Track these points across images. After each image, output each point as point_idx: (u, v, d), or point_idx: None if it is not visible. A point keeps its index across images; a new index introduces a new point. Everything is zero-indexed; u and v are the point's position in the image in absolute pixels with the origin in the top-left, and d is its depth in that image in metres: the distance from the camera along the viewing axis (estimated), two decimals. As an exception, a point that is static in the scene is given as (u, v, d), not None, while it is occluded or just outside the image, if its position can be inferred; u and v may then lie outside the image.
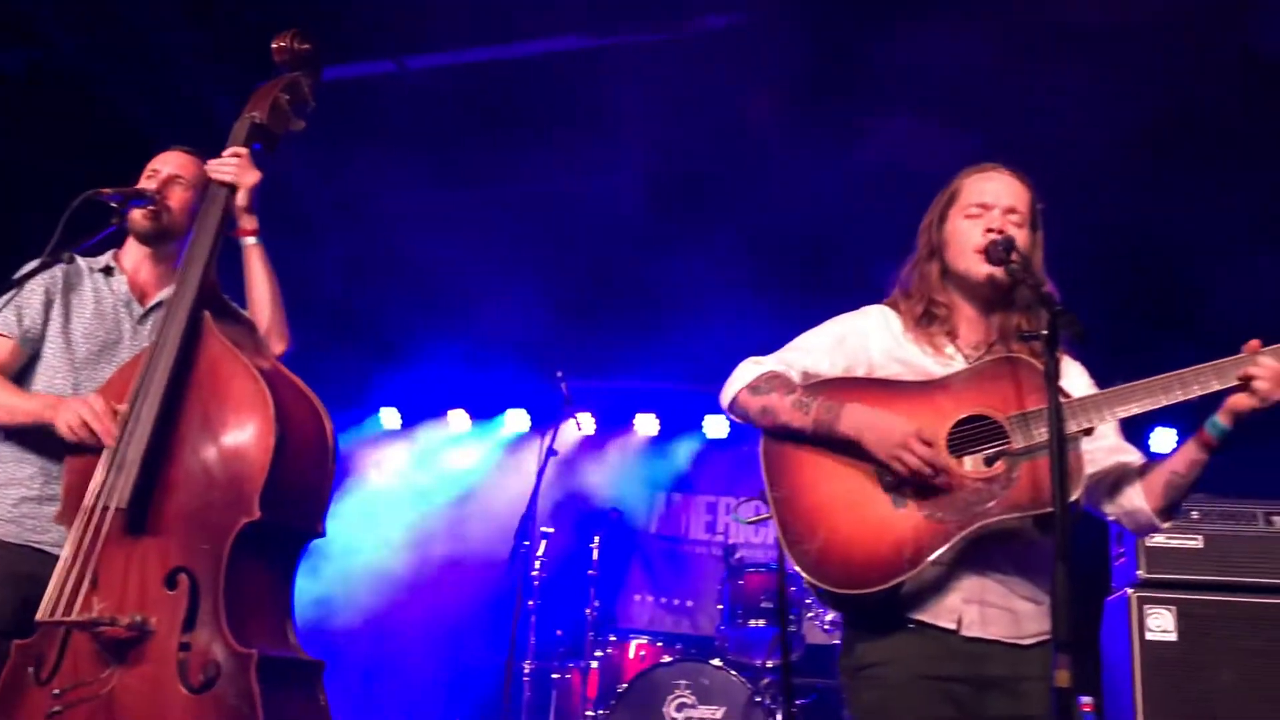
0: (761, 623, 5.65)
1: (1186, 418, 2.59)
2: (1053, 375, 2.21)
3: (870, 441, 2.53)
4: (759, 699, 5.21)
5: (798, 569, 2.57)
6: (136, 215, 3.36)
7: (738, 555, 6.03)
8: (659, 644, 5.93)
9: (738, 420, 2.80)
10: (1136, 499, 2.66)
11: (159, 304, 3.38)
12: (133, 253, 3.47)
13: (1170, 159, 5.81)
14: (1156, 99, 5.45)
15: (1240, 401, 2.45)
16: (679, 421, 8.09)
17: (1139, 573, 4.94)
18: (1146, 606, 4.87)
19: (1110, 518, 2.74)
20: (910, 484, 2.53)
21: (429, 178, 6.59)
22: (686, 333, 6.89)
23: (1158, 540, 4.97)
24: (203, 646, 2.59)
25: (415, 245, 6.93)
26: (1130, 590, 4.93)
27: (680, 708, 5.27)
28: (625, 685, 5.42)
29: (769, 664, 5.54)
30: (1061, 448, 2.14)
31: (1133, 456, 2.72)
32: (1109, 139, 5.56)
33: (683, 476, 8.15)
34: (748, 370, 2.77)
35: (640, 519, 7.98)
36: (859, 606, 2.59)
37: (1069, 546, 2.06)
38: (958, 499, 2.48)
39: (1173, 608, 4.87)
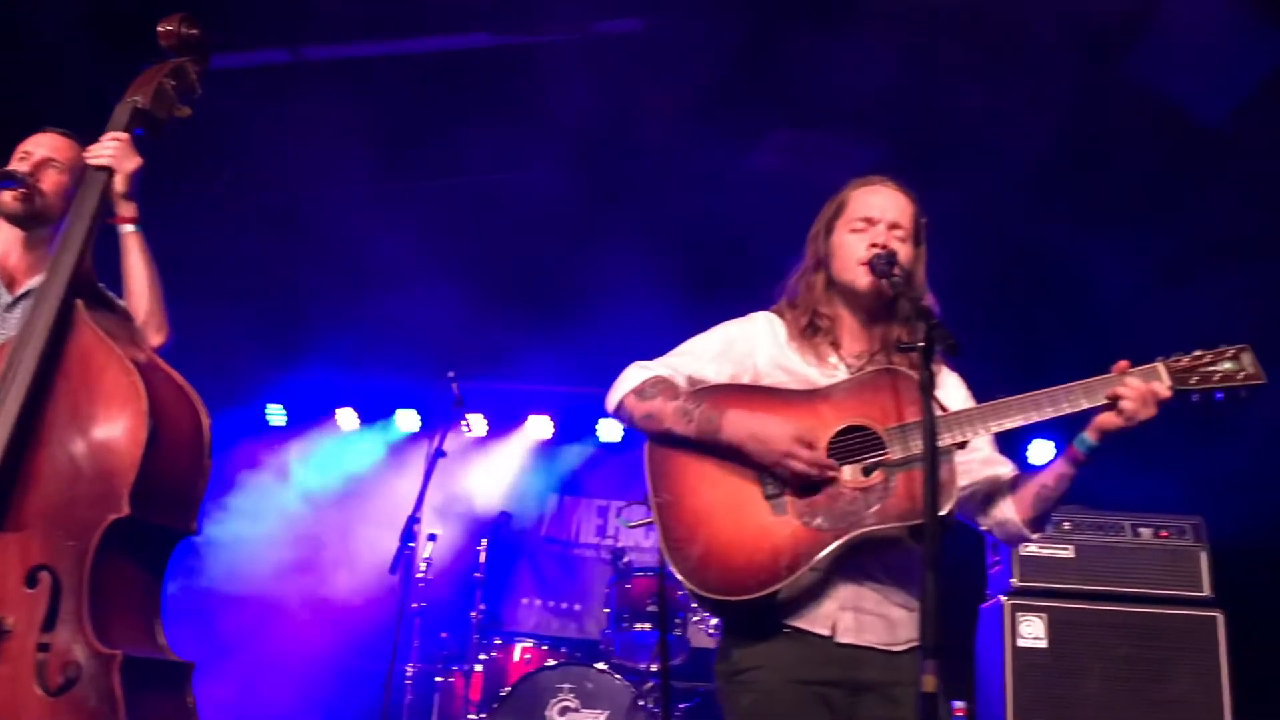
0: (647, 626, 5.66)
1: (1066, 430, 2.67)
2: (927, 386, 2.26)
3: (754, 450, 2.57)
4: (642, 702, 5.23)
5: (677, 575, 2.58)
6: (6, 197, 3.23)
7: (626, 559, 6.04)
8: (544, 647, 5.90)
9: (623, 424, 2.81)
10: (1007, 510, 2.74)
11: (29, 292, 3.26)
12: (2, 236, 3.34)
13: (1070, 185, 5.99)
14: (1062, 127, 5.63)
15: (1108, 420, 2.54)
16: (572, 424, 8.07)
17: (1012, 580, 5.09)
18: (1019, 614, 5.02)
19: (982, 528, 2.81)
20: (791, 491, 2.56)
21: (330, 170, 6.47)
22: (582, 335, 6.88)
23: (1031, 549, 5.12)
24: (63, 647, 2.50)
25: (313, 240, 6.81)
26: (1004, 598, 5.07)
27: (563, 711, 5.25)
28: (508, 688, 5.38)
29: (653, 668, 5.55)
30: (934, 459, 2.19)
31: (1005, 469, 2.80)
32: (1013, 161, 5.72)
33: (575, 480, 8.12)
34: (634, 374, 2.78)
35: (530, 522, 7.93)
36: (737, 613, 2.61)
37: (939, 556, 2.11)
38: (836, 507, 2.52)
39: (1044, 615, 5.03)
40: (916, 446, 2.49)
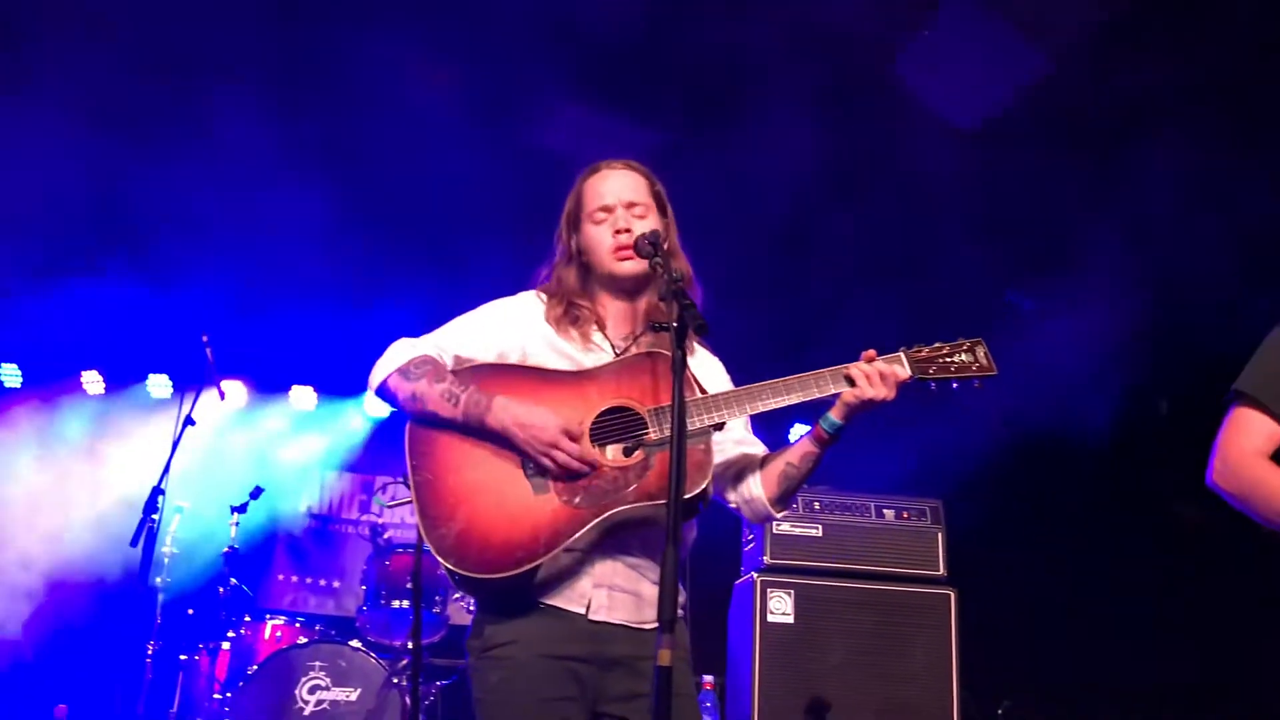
0: (405, 604, 5.57)
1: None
2: (679, 367, 2.30)
3: (520, 439, 2.56)
4: (396, 680, 5.15)
5: (435, 554, 2.54)
6: None
7: (386, 535, 5.92)
8: (297, 624, 5.73)
9: (386, 403, 2.74)
10: (755, 488, 2.83)
11: None
12: None
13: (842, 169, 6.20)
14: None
15: (847, 400, 2.66)
16: (339, 396, 7.86)
17: (764, 558, 5.27)
18: (769, 590, 5.20)
19: (732, 505, 2.90)
20: (554, 472, 2.56)
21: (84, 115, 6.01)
22: (353, 306, 6.69)
23: (783, 528, 5.32)
24: None
25: (58, 185, 6.31)
26: (755, 574, 5.25)
27: (313, 690, 5.11)
28: (256, 666, 5.20)
29: (410, 645, 5.48)
30: (682, 437, 2.23)
31: (756, 448, 2.90)
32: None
33: (340, 454, 7.92)
34: (399, 353, 2.72)
35: (290, 496, 7.69)
36: (493, 591, 2.59)
37: (679, 531, 2.14)
38: (596, 487, 2.55)
39: (792, 591, 5.23)
40: (675, 426, 2.53)
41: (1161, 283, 6.02)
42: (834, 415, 2.70)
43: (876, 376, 2.64)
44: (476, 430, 2.60)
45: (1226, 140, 5.45)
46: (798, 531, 5.33)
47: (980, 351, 2.73)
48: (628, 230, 2.78)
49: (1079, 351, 6.21)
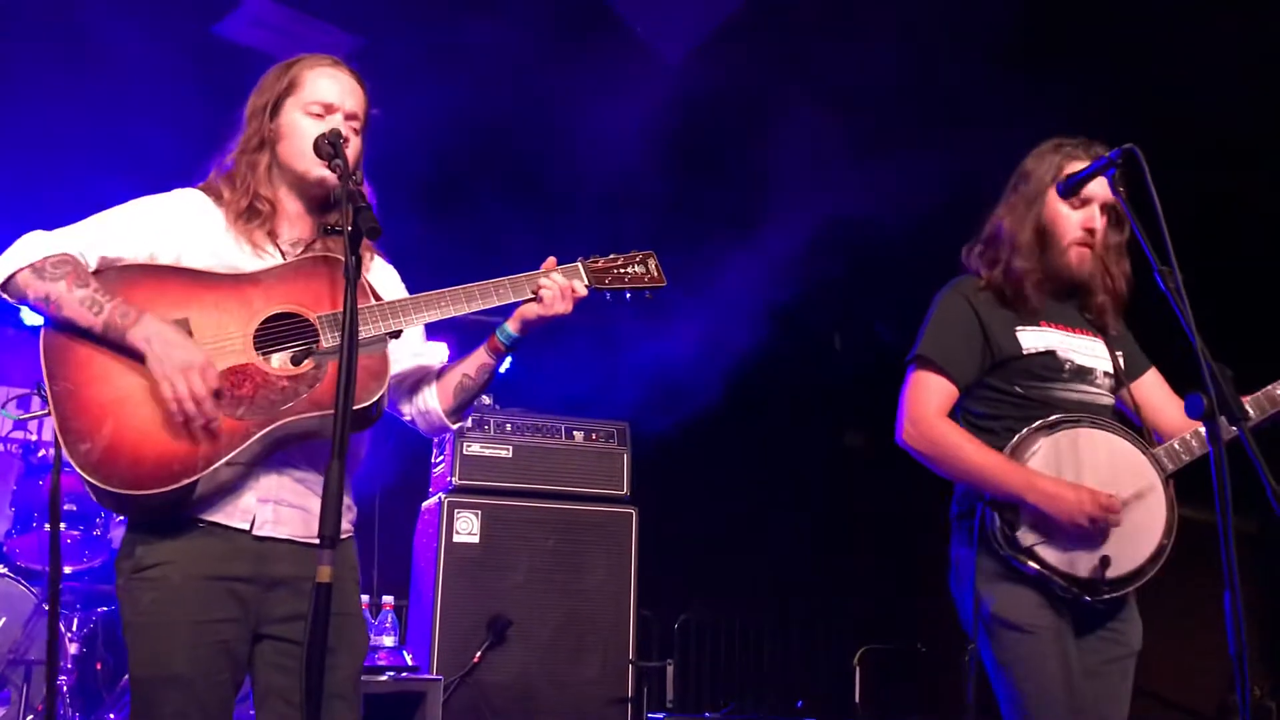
0: (61, 527, 5.17)
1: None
2: (352, 273, 2.19)
3: (153, 357, 2.36)
4: (49, 608, 4.77)
5: (76, 469, 2.33)
6: None
7: (40, 454, 5.45)
8: (-70, 553, 5.20)
9: (13, 301, 2.47)
10: (431, 400, 2.78)
11: None
12: None
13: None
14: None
15: (527, 310, 2.68)
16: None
17: (452, 479, 5.25)
18: (456, 510, 5.20)
19: (406, 418, 2.84)
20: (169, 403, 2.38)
21: None
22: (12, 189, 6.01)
23: (473, 449, 5.32)
24: None
25: None
26: (443, 495, 5.22)
27: (-57, 622, 4.68)
28: None
29: (68, 570, 5.11)
30: (353, 343, 2.14)
31: (433, 359, 2.83)
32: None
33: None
34: (33, 246, 2.45)
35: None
36: (145, 508, 2.41)
37: (345, 443, 2.06)
38: (260, 397, 2.41)
39: (479, 511, 5.24)
40: (349, 334, 2.42)
41: (845, 225, 6.31)
42: (511, 328, 2.71)
43: (557, 291, 2.64)
44: (117, 345, 2.39)
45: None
46: (487, 453, 5.35)
47: (652, 263, 2.81)
48: (346, 141, 2.58)
49: (765, 286, 6.48)
